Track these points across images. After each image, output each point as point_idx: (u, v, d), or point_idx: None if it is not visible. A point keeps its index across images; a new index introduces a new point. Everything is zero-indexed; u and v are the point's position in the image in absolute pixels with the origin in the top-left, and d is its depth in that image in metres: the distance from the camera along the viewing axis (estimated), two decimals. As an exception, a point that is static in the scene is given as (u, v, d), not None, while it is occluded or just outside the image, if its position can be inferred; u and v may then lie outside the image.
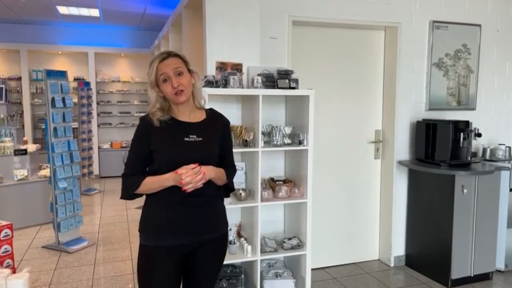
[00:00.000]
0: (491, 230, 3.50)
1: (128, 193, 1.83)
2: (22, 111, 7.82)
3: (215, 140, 1.88)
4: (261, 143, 2.74)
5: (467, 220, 3.37)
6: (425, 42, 3.74)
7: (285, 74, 2.81)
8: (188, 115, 1.86)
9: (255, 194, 2.79)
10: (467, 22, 3.84)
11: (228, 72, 2.78)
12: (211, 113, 1.95)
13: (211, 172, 1.81)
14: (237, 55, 2.91)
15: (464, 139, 3.44)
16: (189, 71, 1.83)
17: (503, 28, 4.03)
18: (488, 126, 3.99)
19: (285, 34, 3.28)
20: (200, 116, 1.89)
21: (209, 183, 1.82)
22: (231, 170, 1.98)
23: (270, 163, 3.11)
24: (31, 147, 5.61)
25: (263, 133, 2.81)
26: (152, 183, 1.79)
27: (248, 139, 2.72)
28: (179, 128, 1.82)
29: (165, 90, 1.78)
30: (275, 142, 2.84)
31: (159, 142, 1.79)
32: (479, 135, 3.60)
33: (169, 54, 1.81)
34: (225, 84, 2.71)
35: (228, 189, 2.01)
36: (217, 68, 2.85)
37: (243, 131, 2.77)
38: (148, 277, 1.81)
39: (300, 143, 2.83)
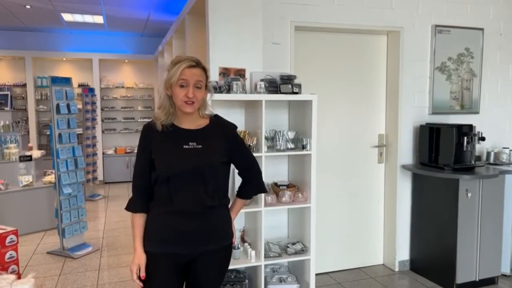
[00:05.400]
0: (496, 234, 3.48)
1: (128, 211, 1.87)
2: (27, 118, 7.87)
3: (216, 147, 1.83)
4: (264, 148, 2.75)
5: (471, 224, 3.36)
6: (428, 46, 3.75)
7: (288, 79, 2.82)
8: (190, 123, 1.83)
9: (258, 199, 2.80)
10: (469, 26, 3.85)
11: (231, 77, 2.80)
12: (215, 120, 1.90)
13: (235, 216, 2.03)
14: (240, 61, 2.93)
15: (467, 143, 3.43)
16: (205, 85, 1.82)
17: (506, 32, 4.03)
18: (491, 130, 3.98)
19: (287, 40, 3.30)
20: (202, 123, 1.86)
21: (212, 192, 1.80)
22: (250, 185, 2.03)
23: (273, 168, 3.12)
24: (36, 153, 5.65)
25: (266, 138, 2.82)
26: (133, 227, 1.85)
27: (251, 144, 2.73)
28: (179, 135, 1.80)
29: (177, 94, 1.74)
30: (278, 147, 2.85)
31: (158, 150, 1.79)
32: (483, 139, 3.59)
33: (197, 64, 1.77)
34: (228, 90, 2.73)
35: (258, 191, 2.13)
36: (220, 74, 2.86)
37: (246, 136, 2.78)
38: (149, 282, 1.81)
39: (303, 147, 2.84)
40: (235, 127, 1.95)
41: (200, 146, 1.79)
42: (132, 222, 1.85)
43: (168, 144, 1.79)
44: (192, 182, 1.76)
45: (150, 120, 1.88)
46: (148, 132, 1.82)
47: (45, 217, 5.11)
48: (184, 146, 1.78)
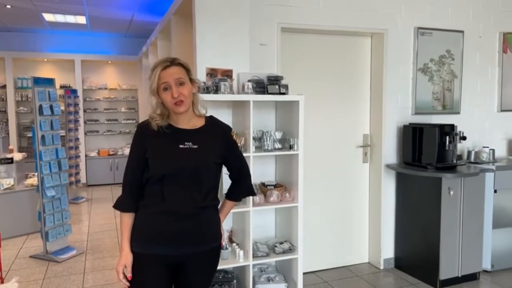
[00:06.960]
0: (477, 231, 3.57)
1: (117, 209, 1.85)
2: (7, 120, 7.70)
3: (211, 147, 1.83)
4: (252, 148, 2.76)
5: (454, 222, 3.44)
6: (410, 48, 3.83)
7: (275, 80, 2.85)
8: (187, 122, 1.82)
9: (246, 199, 2.81)
10: (450, 28, 3.95)
11: (219, 78, 2.81)
12: (210, 120, 1.91)
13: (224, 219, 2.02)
14: (227, 62, 2.94)
15: (449, 142, 3.51)
16: (190, 80, 1.79)
17: (485, 34, 4.14)
18: (472, 130, 4.07)
19: (274, 41, 3.32)
20: (198, 123, 1.85)
21: (205, 193, 1.80)
22: (240, 187, 2.02)
23: (261, 168, 3.14)
24: (18, 156, 5.53)
25: (254, 139, 2.84)
26: (121, 226, 1.83)
27: (239, 144, 2.74)
28: (175, 135, 1.79)
29: (165, 99, 1.74)
30: (266, 147, 2.87)
31: (153, 149, 1.77)
32: (464, 138, 3.68)
33: (172, 62, 1.75)
34: (216, 90, 2.73)
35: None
36: (207, 74, 2.87)
37: (234, 136, 2.78)
38: (137, 283, 1.79)
39: (291, 148, 2.86)
40: (230, 129, 1.98)
41: (196, 146, 1.78)
42: (120, 221, 1.84)
43: (163, 143, 1.78)
44: (187, 181, 1.75)
45: (144, 120, 1.87)
46: (143, 131, 1.81)
47: (28, 221, 5.00)
48: (180, 146, 1.77)
